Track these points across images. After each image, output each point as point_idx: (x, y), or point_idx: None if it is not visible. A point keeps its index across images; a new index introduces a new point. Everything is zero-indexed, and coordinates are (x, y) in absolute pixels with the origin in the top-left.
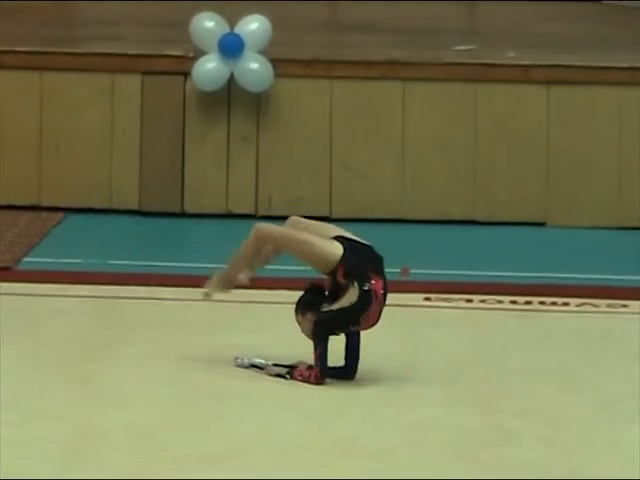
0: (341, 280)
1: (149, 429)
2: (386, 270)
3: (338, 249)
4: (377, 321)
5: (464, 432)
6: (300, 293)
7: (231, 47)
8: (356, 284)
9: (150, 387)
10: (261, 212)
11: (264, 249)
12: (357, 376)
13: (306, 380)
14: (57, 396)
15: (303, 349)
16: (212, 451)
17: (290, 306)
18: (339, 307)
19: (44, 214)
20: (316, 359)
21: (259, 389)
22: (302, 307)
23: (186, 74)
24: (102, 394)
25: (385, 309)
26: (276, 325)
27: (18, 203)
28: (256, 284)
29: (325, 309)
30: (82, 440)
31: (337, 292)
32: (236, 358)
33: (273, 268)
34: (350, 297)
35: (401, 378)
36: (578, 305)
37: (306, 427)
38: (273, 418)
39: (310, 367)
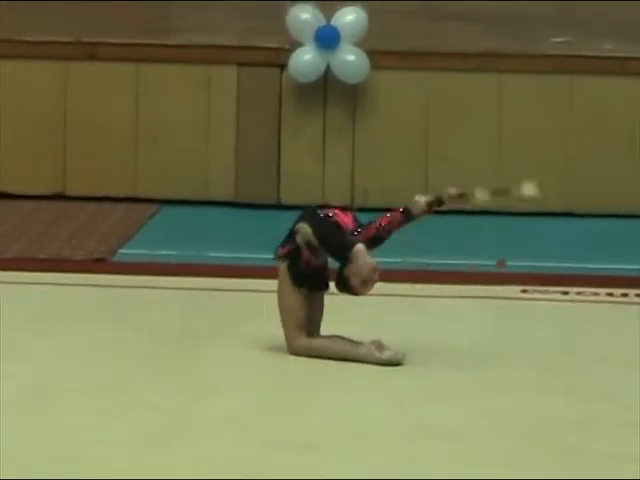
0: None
1: (242, 417)
2: (482, 262)
3: None
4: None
5: (551, 418)
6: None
7: (327, 39)
8: None
9: (244, 376)
10: (357, 203)
11: None
12: (449, 362)
13: None
14: (153, 385)
15: (400, 338)
16: (303, 438)
17: (382, 298)
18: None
19: (140, 205)
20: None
21: (349, 376)
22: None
23: (282, 66)
24: (197, 383)
25: (481, 301)
26: (369, 318)
27: (114, 194)
28: None
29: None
30: (178, 428)
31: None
32: None
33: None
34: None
35: (492, 365)
36: None
37: (395, 414)
38: (362, 405)
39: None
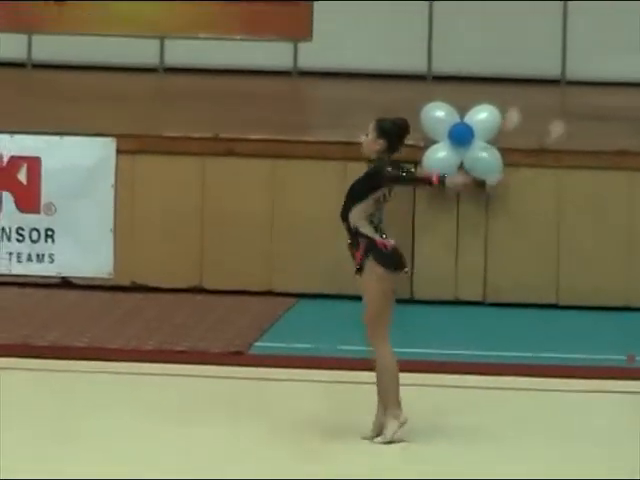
0: None
1: None
2: (612, 357)
3: None
4: None
5: None
6: None
7: (461, 137)
8: None
9: (373, 463)
10: (489, 299)
11: None
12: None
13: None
14: (291, 474)
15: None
16: None
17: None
18: None
19: (277, 299)
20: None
21: None
22: None
23: (417, 162)
24: (332, 473)
25: (609, 395)
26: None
27: (251, 289)
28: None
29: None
30: None
31: None
32: None
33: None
34: None
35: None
36: None
37: None
38: None
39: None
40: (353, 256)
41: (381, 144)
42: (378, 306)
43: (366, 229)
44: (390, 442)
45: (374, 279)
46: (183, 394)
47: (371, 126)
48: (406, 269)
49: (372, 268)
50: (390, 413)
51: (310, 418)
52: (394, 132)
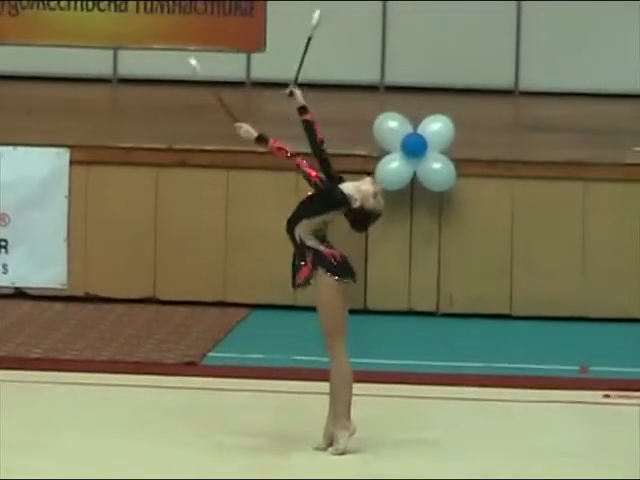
0: None
1: None
2: (565, 367)
3: None
4: None
5: None
6: None
7: (414, 147)
8: None
9: (328, 475)
10: (442, 310)
11: None
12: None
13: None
14: None
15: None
16: None
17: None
18: None
19: (230, 310)
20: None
21: None
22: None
23: (369, 173)
24: None
25: (564, 405)
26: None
27: (204, 299)
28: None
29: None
30: None
31: None
32: None
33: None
34: None
35: (580, 473)
36: None
37: None
38: None
39: None
40: (297, 271)
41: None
42: (334, 316)
43: (312, 242)
44: (342, 453)
45: (327, 290)
46: (136, 405)
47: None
48: (355, 278)
49: (323, 279)
50: (339, 424)
51: (264, 430)
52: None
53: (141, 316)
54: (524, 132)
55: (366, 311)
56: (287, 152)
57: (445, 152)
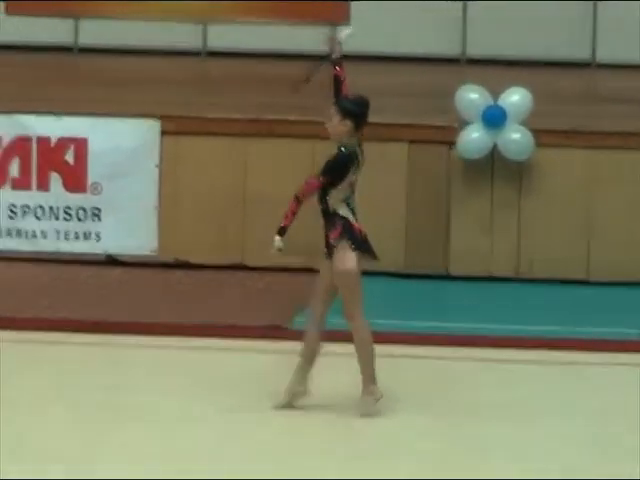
0: None
1: None
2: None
3: None
4: None
5: None
6: None
7: (494, 118)
8: None
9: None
10: (522, 274)
11: None
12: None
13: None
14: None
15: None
16: None
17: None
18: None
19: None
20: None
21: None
22: None
23: (450, 143)
24: None
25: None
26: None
27: (292, 266)
28: None
29: None
30: None
31: None
32: None
33: None
34: None
35: None
36: None
37: None
38: None
39: None
40: (326, 237)
41: (348, 125)
42: (355, 286)
43: (343, 210)
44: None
45: (349, 261)
46: (226, 369)
47: (332, 110)
48: (375, 255)
49: (346, 251)
50: (365, 389)
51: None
52: (357, 110)
53: (229, 282)
54: (600, 103)
55: (448, 277)
56: (297, 203)
57: (524, 123)
